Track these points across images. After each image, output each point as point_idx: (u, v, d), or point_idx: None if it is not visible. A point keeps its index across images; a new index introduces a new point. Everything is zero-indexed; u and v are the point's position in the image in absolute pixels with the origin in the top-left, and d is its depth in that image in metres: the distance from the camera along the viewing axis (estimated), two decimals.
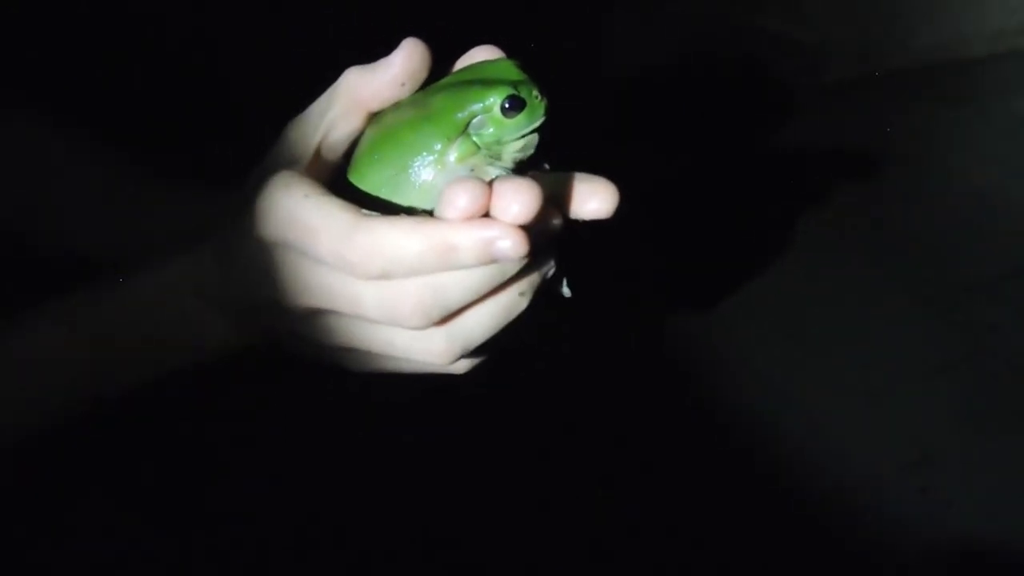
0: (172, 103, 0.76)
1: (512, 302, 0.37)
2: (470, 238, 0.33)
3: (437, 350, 0.37)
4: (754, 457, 0.89)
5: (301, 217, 0.35)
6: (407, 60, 0.37)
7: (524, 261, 0.34)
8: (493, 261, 0.34)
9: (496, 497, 0.74)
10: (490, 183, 0.34)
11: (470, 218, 0.33)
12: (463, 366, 0.39)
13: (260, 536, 0.61)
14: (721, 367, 0.98)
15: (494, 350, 0.38)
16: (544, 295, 0.38)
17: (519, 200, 0.33)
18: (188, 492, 0.60)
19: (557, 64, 0.42)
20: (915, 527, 0.84)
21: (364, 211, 0.35)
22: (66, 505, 0.51)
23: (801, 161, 1.25)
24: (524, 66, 0.38)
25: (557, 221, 0.36)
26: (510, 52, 0.39)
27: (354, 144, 0.40)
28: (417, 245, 0.33)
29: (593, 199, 0.36)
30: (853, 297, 1.07)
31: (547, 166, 0.39)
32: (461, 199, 0.33)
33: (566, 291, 0.41)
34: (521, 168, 0.38)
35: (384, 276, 0.34)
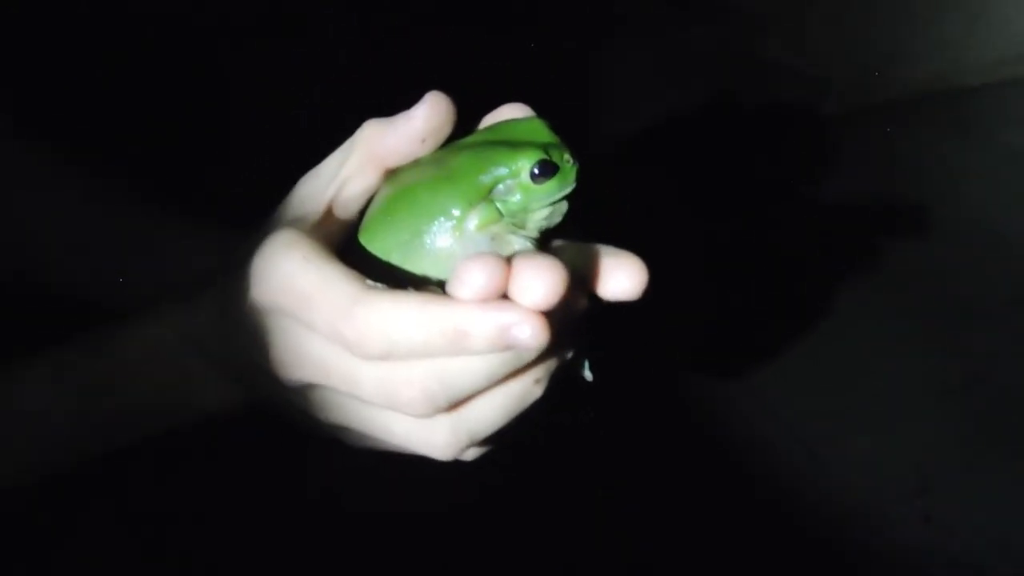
0: (169, 130, 0.76)
1: (526, 390, 0.33)
2: (484, 323, 0.29)
3: (440, 441, 0.33)
4: (755, 485, 0.89)
5: (298, 283, 0.31)
6: (430, 115, 0.34)
7: (543, 350, 0.30)
8: (508, 349, 0.30)
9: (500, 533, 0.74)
10: (509, 259, 0.30)
11: (485, 299, 0.29)
12: (470, 455, 0.35)
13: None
14: (719, 396, 0.98)
15: (504, 440, 0.34)
16: (562, 380, 0.34)
17: (541, 282, 0.29)
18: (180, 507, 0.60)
19: (562, 103, 0.40)
20: (918, 554, 0.84)
21: (368, 281, 0.31)
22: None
23: (800, 190, 1.26)
24: (555, 127, 0.34)
25: (582, 303, 0.32)
26: (538, 109, 0.36)
27: (369, 201, 0.37)
28: (424, 328, 0.30)
29: (621, 278, 0.32)
30: (853, 324, 1.07)
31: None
32: (477, 278, 0.29)
33: (588, 375, 0.37)
34: (546, 237, 0.35)
35: (385, 358, 0.31)
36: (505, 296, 0.30)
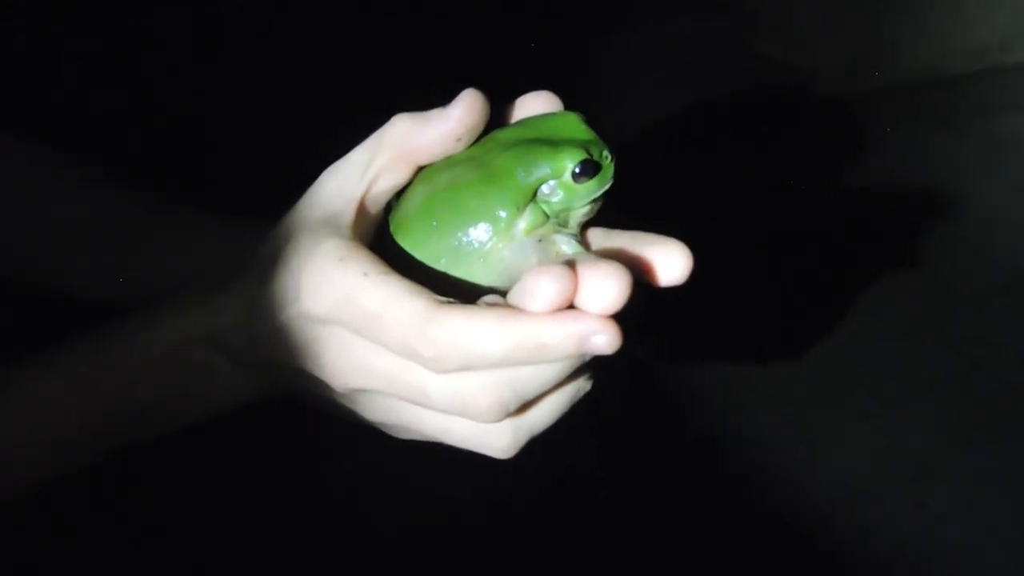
0: (164, 120, 0.75)
1: (580, 386, 0.34)
2: (562, 334, 0.29)
3: (503, 444, 0.33)
4: (750, 472, 0.89)
5: (362, 301, 0.31)
6: (466, 113, 0.33)
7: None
8: (585, 356, 0.30)
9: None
10: (570, 265, 0.30)
11: (557, 310, 0.29)
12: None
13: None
14: (712, 386, 0.98)
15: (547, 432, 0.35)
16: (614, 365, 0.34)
17: (609, 289, 0.29)
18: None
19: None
20: (914, 542, 0.84)
21: (436, 297, 0.31)
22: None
23: (789, 178, 1.26)
24: (590, 121, 0.34)
25: (640, 298, 0.32)
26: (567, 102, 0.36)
27: (395, 199, 0.36)
28: (502, 343, 0.30)
29: (670, 266, 0.32)
30: (846, 313, 1.07)
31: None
32: (548, 290, 0.29)
33: (638, 351, 0.36)
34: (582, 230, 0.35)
35: (460, 371, 0.31)
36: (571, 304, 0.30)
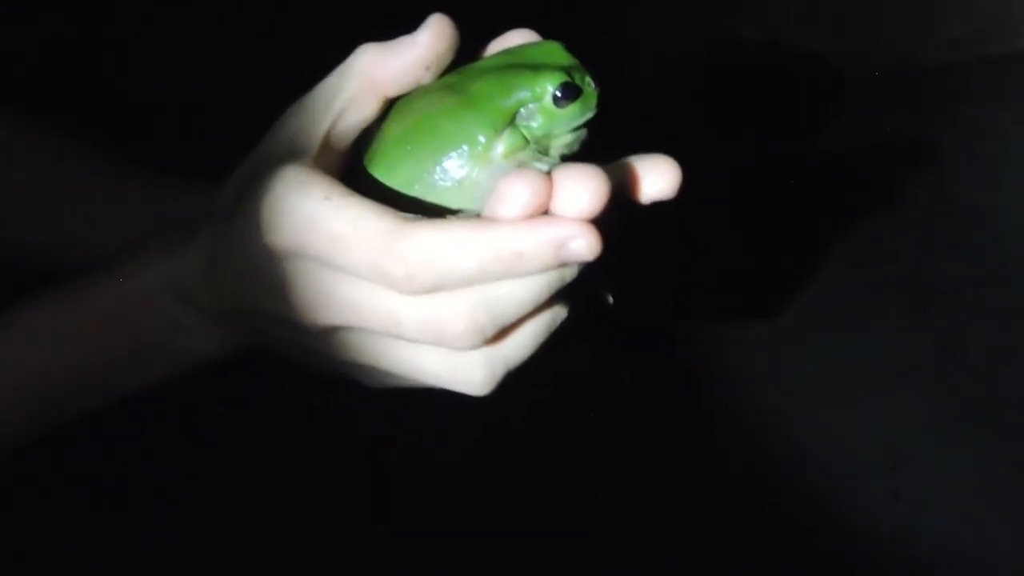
0: (142, 92, 0.74)
1: (556, 313, 0.32)
2: (538, 240, 0.28)
3: (477, 377, 0.31)
4: (722, 461, 0.88)
5: (325, 224, 0.29)
6: (434, 40, 0.32)
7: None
8: (563, 265, 0.29)
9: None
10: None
11: (531, 216, 0.28)
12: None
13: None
14: (691, 372, 0.98)
15: (526, 367, 0.33)
16: (584, 304, 0.33)
17: (587, 189, 0.28)
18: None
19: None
20: (888, 531, 0.84)
21: (404, 215, 0.29)
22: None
23: (766, 169, 1.26)
24: (572, 50, 0.33)
25: (617, 213, 0.30)
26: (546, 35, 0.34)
27: (363, 134, 0.35)
28: (475, 254, 0.28)
29: (656, 178, 0.31)
30: (821, 301, 1.07)
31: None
32: (521, 193, 0.28)
33: (609, 299, 0.36)
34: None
35: (433, 291, 0.29)
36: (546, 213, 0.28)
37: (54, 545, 0.54)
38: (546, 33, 0.35)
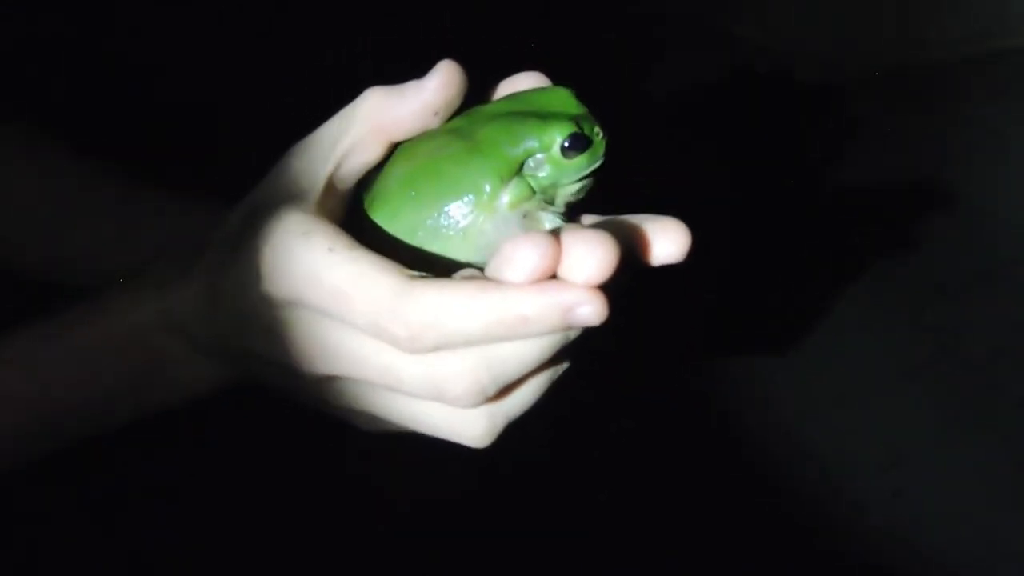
0: (141, 92, 0.74)
1: (560, 368, 0.32)
2: (545, 307, 0.27)
3: (478, 431, 0.31)
4: (723, 462, 0.88)
5: (328, 277, 0.29)
6: (444, 85, 0.32)
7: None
8: (569, 329, 0.28)
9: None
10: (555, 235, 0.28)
11: (539, 280, 0.27)
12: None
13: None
14: (690, 372, 0.98)
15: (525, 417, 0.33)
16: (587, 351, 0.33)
17: (595, 255, 0.27)
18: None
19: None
20: (889, 530, 0.84)
21: (407, 271, 0.29)
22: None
23: (763, 169, 1.26)
24: (581, 96, 0.33)
25: (625, 274, 0.30)
26: (554, 78, 0.34)
27: (366, 178, 0.34)
28: (481, 317, 0.27)
29: (666, 243, 0.30)
30: (820, 301, 1.07)
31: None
32: (529, 257, 0.27)
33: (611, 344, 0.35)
34: (571, 213, 0.33)
35: (435, 351, 0.29)
36: (554, 276, 0.28)
37: (54, 545, 0.54)
38: (554, 71, 0.34)
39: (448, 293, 0.28)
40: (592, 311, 0.27)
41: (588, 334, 0.30)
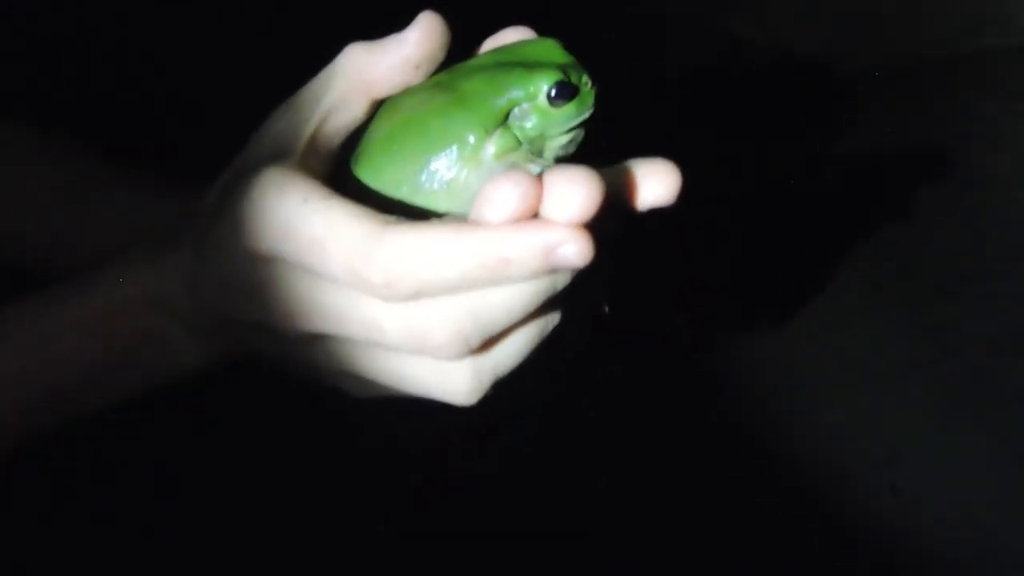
0: (141, 92, 0.74)
1: (548, 321, 0.31)
2: (527, 247, 0.26)
3: (463, 387, 0.30)
4: (721, 456, 0.88)
5: (303, 227, 0.28)
6: (424, 38, 0.31)
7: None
8: (552, 272, 0.27)
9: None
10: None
11: (520, 221, 0.26)
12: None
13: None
14: (688, 368, 0.97)
15: (515, 377, 0.31)
16: (579, 313, 0.32)
17: (578, 192, 0.26)
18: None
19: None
20: (886, 524, 0.84)
21: (383, 216, 0.28)
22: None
23: (763, 165, 1.26)
24: (569, 48, 0.31)
25: (611, 223, 0.29)
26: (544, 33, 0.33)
27: (352, 137, 0.33)
28: (459, 261, 0.26)
29: (654, 183, 0.29)
30: (819, 298, 1.07)
31: None
32: (509, 196, 0.26)
33: (604, 309, 0.35)
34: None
35: (415, 298, 0.27)
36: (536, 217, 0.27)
37: (53, 545, 0.53)
38: (543, 31, 0.34)
39: (424, 235, 0.27)
40: (576, 251, 0.26)
41: (577, 284, 0.30)
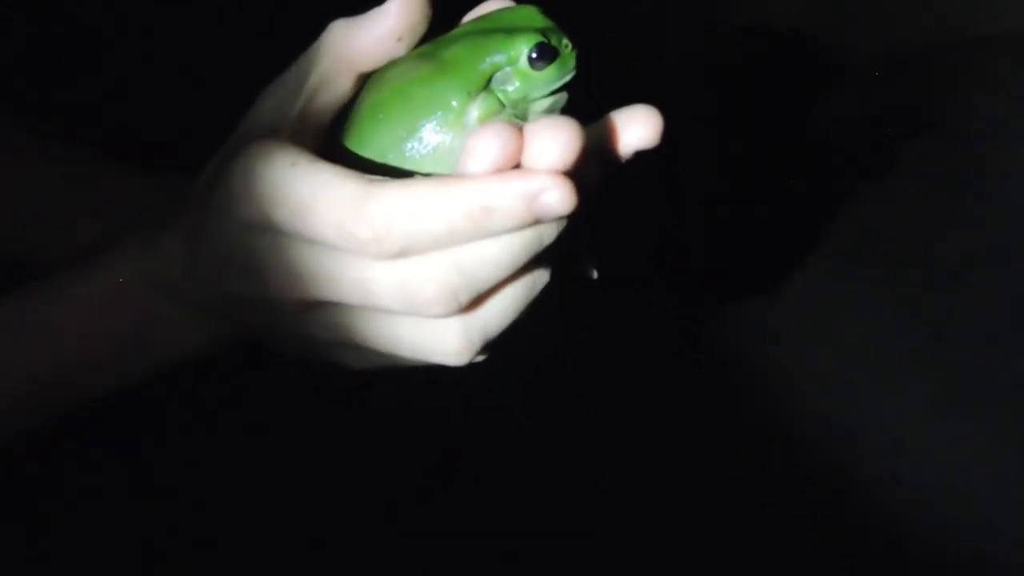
0: (140, 91, 0.74)
1: (537, 279, 0.31)
2: (509, 194, 0.27)
3: (454, 346, 0.31)
4: (720, 447, 0.88)
5: (290, 191, 0.28)
6: (405, 9, 0.31)
7: (568, 217, 0.28)
8: (537, 222, 0.28)
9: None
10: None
11: (501, 171, 0.27)
12: (480, 357, 0.32)
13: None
14: (686, 359, 0.98)
15: (508, 337, 0.32)
16: (567, 277, 0.33)
17: (558, 139, 0.27)
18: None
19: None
20: (887, 514, 0.84)
21: (369, 177, 0.29)
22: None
23: (761, 155, 1.25)
24: (548, 13, 0.32)
25: (595, 176, 0.30)
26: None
27: (340, 112, 0.34)
28: (444, 212, 0.27)
29: (636, 127, 0.30)
30: (817, 286, 1.07)
31: None
32: (490, 146, 0.27)
33: (593, 273, 0.35)
34: None
35: (403, 254, 0.28)
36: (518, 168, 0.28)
37: (53, 545, 0.53)
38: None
39: (410, 190, 0.28)
40: (558, 197, 0.27)
41: (563, 242, 0.30)
